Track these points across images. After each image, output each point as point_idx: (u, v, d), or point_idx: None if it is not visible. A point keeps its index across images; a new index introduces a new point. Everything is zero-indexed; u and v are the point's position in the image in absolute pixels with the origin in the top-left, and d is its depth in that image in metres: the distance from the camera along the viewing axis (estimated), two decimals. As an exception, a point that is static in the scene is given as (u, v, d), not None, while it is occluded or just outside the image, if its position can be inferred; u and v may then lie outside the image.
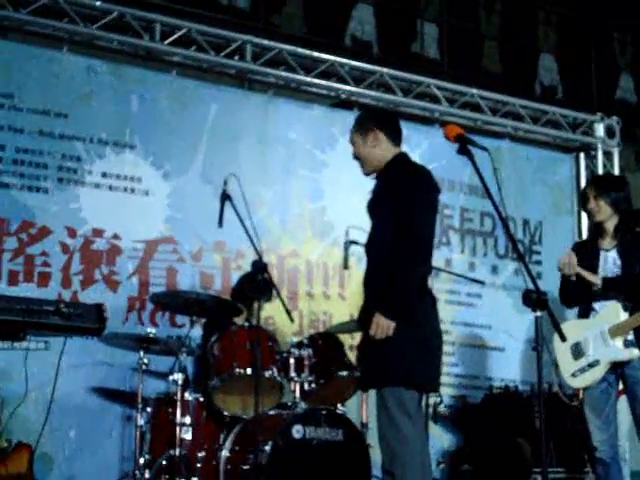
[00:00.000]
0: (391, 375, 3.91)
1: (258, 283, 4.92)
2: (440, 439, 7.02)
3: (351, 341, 6.49)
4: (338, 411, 5.28)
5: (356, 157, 4.29)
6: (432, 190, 4.10)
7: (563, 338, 3.50)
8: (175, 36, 6.63)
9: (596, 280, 4.83)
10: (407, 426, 3.89)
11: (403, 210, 3.96)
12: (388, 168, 4.17)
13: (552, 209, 8.11)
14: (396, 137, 4.23)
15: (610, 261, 4.91)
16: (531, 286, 3.44)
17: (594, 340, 4.83)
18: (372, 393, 5.62)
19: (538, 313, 3.42)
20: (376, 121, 4.24)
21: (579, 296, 4.95)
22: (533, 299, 3.40)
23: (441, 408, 6.83)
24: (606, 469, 4.85)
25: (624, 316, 4.77)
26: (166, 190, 6.43)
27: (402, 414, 3.89)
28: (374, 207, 4.19)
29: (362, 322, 4.12)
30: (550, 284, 6.68)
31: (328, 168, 7.09)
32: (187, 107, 6.61)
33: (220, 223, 5.02)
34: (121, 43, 6.54)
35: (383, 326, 3.89)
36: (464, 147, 3.84)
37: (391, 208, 4.02)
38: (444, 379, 6.66)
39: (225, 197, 5.04)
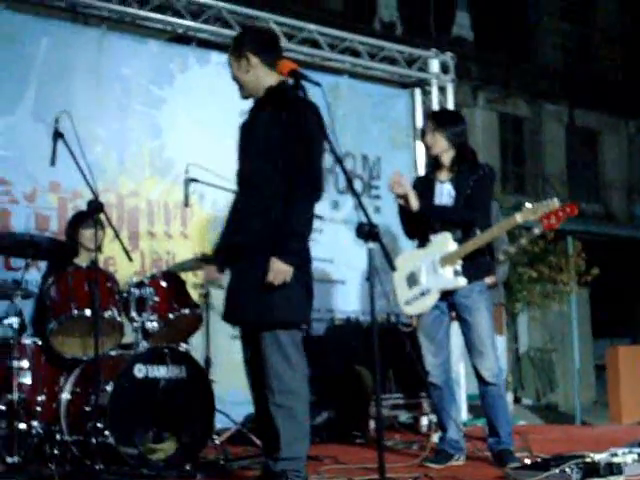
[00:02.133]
0: (287, 317, 3.97)
1: (94, 223, 4.84)
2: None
3: (194, 279, 6.48)
4: (180, 349, 5.27)
5: (233, 80, 4.16)
6: (323, 128, 3.92)
7: (393, 268, 3.61)
8: (2, -32, 6.32)
9: (415, 204, 4.95)
10: (300, 363, 4.02)
11: (301, 149, 3.90)
12: (272, 97, 4.05)
13: (390, 144, 8.27)
14: (273, 60, 4.05)
15: (445, 192, 5.07)
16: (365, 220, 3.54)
17: (426, 269, 5.01)
18: (216, 330, 5.78)
19: (371, 245, 3.51)
20: (250, 45, 4.07)
21: (417, 226, 5.10)
22: (365, 231, 3.49)
23: None
24: (439, 393, 5.07)
25: (453, 246, 4.95)
26: (-4, 128, 6.18)
27: (296, 352, 4.00)
28: (255, 136, 4.06)
29: (237, 255, 4.06)
30: (389, 218, 6.89)
31: (166, 104, 6.97)
32: (15, 41, 6.33)
33: (52, 162, 4.89)
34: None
35: (284, 272, 3.87)
36: (297, 82, 3.87)
37: (281, 142, 3.94)
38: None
39: (57, 135, 4.90)
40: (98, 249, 5.33)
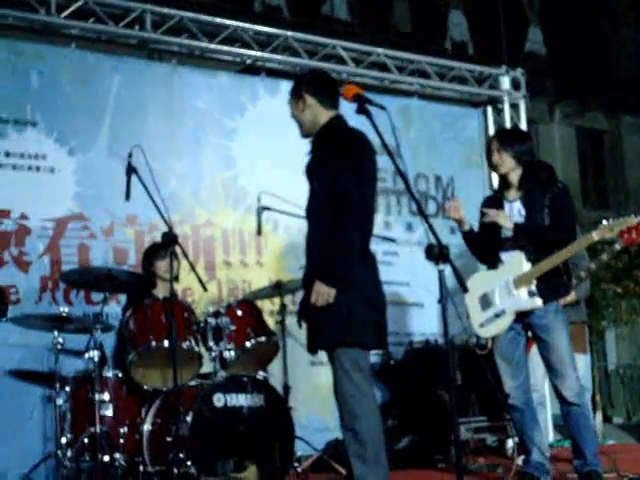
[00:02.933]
0: (344, 336, 3.97)
1: (170, 254, 4.91)
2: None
3: (271, 307, 6.52)
4: (258, 377, 5.30)
5: (292, 117, 4.32)
6: (362, 153, 4.10)
7: (465, 289, 3.57)
8: (72, 8, 6.49)
9: (508, 223, 4.90)
10: (363, 384, 3.99)
11: (327, 174, 3.99)
12: (323, 132, 4.20)
13: (463, 164, 8.21)
14: (328, 100, 4.22)
15: (515, 212, 4.99)
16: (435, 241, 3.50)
17: (500, 291, 4.93)
18: (294, 356, 5.79)
19: (441, 266, 3.47)
20: (305, 86, 4.25)
21: (484, 246, 5.04)
22: (435, 253, 3.45)
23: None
24: (520, 415, 4.97)
25: (527, 266, 4.87)
26: (72, 166, 6.33)
27: (357, 372, 3.98)
28: (312, 171, 4.19)
29: (305, 287, 4.14)
30: (464, 238, 6.81)
31: (238, 135, 7.05)
32: (89, 80, 6.50)
33: (127, 196, 4.99)
34: (17, 18, 6.38)
35: (323, 294, 3.94)
36: (362, 106, 3.87)
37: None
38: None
39: (131, 170, 5.00)
40: (175, 279, 5.40)
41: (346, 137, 4.13)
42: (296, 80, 4.41)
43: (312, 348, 4.17)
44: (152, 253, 5.75)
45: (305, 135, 4.27)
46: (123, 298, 5.93)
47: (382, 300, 4.18)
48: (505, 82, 8.37)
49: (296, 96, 4.25)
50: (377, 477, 3.95)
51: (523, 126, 8.23)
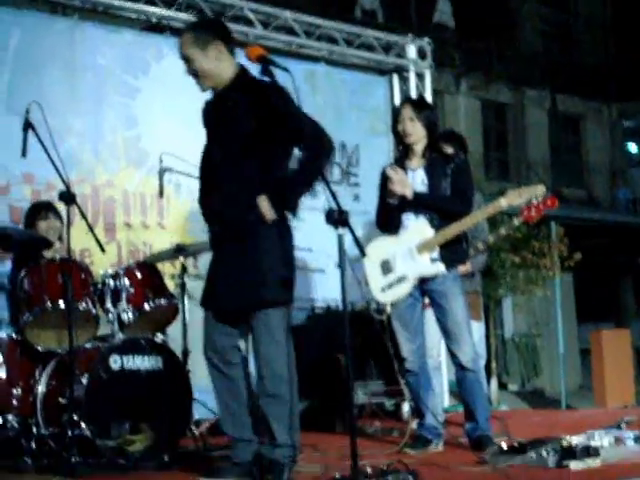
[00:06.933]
0: (273, 295, 3.90)
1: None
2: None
3: (171, 269, 6.45)
4: (157, 339, 5.24)
5: (193, 73, 4.05)
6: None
7: (363, 254, 3.60)
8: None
9: (410, 192, 4.92)
10: (289, 345, 3.95)
11: (292, 122, 3.88)
12: (236, 83, 4.01)
13: (368, 132, 8.24)
14: (233, 49, 4.05)
15: (418, 180, 5.04)
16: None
17: (402, 256, 4.98)
18: (194, 320, 5.74)
19: (340, 231, 3.49)
20: (216, 32, 4.02)
21: (396, 221, 5.06)
22: (334, 217, 3.47)
23: None
24: (415, 379, 5.07)
25: (430, 233, 4.93)
26: (-33, 121, 6.13)
27: (284, 333, 3.93)
28: (228, 124, 3.98)
29: (215, 248, 4.06)
30: (368, 205, 6.85)
31: (141, 94, 6.92)
32: (-14, 33, 6.28)
33: (23, 153, 4.85)
34: None
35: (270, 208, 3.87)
36: (266, 68, 3.84)
37: (258, 125, 3.91)
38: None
39: (28, 126, 4.86)
40: (59, 240, 5.43)
41: (278, 85, 3.87)
42: (197, 27, 4.14)
43: (235, 309, 4.01)
44: (32, 213, 5.63)
45: (208, 88, 4.07)
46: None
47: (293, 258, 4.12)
48: (411, 51, 8.40)
49: (205, 43, 3.97)
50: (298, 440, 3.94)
51: (428, 96, 8.29)
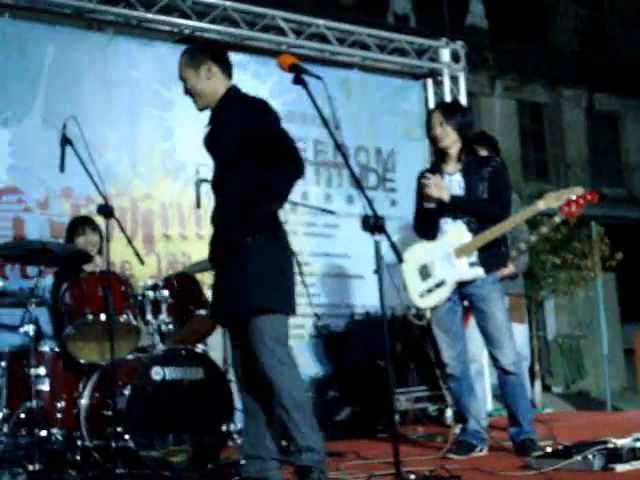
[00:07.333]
0: (259, 302, 3.88)
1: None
2: (305, 368, 7.11)
3: (210, 279, 6.47)
4: (197, 350, 5.26)
5: (188, 93, 4.18)
6: (278, 115, 4.02)
7: (400, 260, 3.58)
8: (3, -22, 6.34)
9: (446, 195, 4.91)
10: (281, 352, 3.90)
11: (265, 135, 3.90)
12: (224, 102, 4.10)
13: (403, 136, 8.22)
14: (228, 70, 4.15)
15: (455, 184, 5.02)
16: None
17: (440, 261, 4.96)
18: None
19: (377, 237, 3.48)
20: (208, 54, 4.14)
21: (433, 226, 5.04)
22: (371, 224, 3.46)
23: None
24: (457, 384, 5.03)
25: (468, 237, 4.91)
26: (6, 138, 6.21)
27: (274, 340, 3.88)
28: (217, 143, 4.10)
29: (213, 261, 4.08)
30: (404, 210, 6.84)
31: (175, 106, 6.95)
32: (23, 50, 6.36)
33: (62, 168, 4.88)
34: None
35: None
36: (298, 76, 3.84)
37: (241, 141, 3.95)
38: (307, 309, 6.76)
39: (65, 141, 4.90)
40: (99, 254, 5.53)
41: (259, 101, 4.01)
42: (192, 49, 4.25)
43: (227, 319, 4.06)
44: (70, 229, 5.72)
45: (203, 107, 4.16)
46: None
47: (292, 267, 4.09)
48: (445, 55, 8.38)
49: (198, 64, 4.08)
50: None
51: (463, 99, 8.26)
